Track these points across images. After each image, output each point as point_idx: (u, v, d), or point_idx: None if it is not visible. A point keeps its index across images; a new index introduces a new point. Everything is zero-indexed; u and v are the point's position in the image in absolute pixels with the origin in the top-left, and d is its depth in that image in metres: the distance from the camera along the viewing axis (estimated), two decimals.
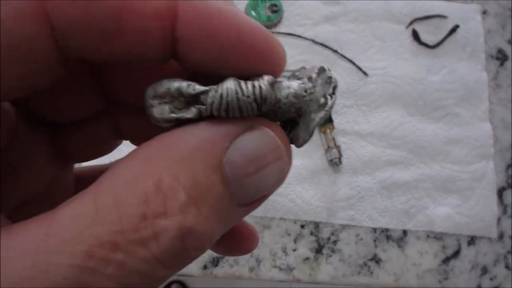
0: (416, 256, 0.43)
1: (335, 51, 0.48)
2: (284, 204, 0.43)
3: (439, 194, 0.44)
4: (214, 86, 0.12)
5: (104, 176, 0.11)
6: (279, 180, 0.12)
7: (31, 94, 0.12)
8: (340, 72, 0.48)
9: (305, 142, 0.13)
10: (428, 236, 0.44)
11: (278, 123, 0.13)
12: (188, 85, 0.12)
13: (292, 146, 0.14)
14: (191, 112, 0.12)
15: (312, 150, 0.45)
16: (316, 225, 0.43)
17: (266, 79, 0.12)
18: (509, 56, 0.50)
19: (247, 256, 0.42)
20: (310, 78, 0.13)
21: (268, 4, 0.49)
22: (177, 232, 0.10)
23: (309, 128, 0.13)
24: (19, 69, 0.11)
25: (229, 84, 0.12)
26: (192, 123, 0.12)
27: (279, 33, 0.48)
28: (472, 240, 0.44)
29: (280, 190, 0.44)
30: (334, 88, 0.13)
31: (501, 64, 0.50)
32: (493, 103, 0.48)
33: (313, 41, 0.48)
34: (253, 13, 0.48)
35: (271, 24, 0.48)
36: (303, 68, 0.14)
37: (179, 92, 0.12)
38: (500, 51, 0.50)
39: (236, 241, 0.17)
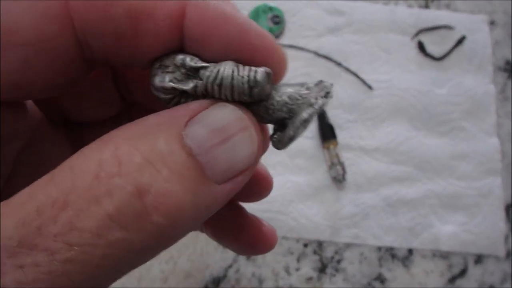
0: (421, 276, 0.42)
1: (339, 64, 0.47)
2: (286, 222, 0.43)
3: (445, 211, 0.44)
4: (215, 63, 0.13)
5: (67, 159, 0.11)
6: (252, 153, 0.12)
7: (54, 94, 0.13)
8: (344, 86, 0.46)
9: (290, 139, 0.13)
10: (434, 254, 0.43)
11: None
12: (192, 58, 0.13)
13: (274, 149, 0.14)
14: (187, 85, 0.13)
15: (315, 167, 0.44)
16: (320, 243, 0.43)
17: (263, 68, 0.13)
18: None
19: (248, 275, 0.41)
20: (308, 87, 0.14)
21: (270, 15, 0.47)
22: (132, 189, 0.10)
23: (295, 124, 0.13)
24: (43, 68, 0.12)
25: (228, 64, 0.13)
26: (185, 103, 0.13)
27: (281, 45, 0.47)
28: (479, 259, 0.43)
29: (282, 207, 0.43)
30: (327, 93, 0.14)
31: (509, 76, 0.48)
32: (500, 117, 0.47)
33: (316, 53, 0.47)
34: None
35: (273, 35, 0.47)
36: (305, 83, 0.15)
37: (182, 63, 0.13)
38: (508, 62, 0.49)
39: (255, 238, 0.17)
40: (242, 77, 0.13)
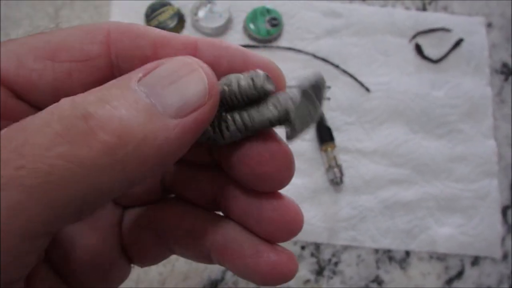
0: (418, 278, 0.42)
1: (337, 66, 0.47)
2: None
3: (442, 214, 0.44)
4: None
5: None
6: (203, 89, 0.14)
7: None
8: (341, 88, 0.46)
9: (293, 126, 0.16)
10: (431, 257, 0.43)
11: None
12: None
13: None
14: None
15: (313, 169, 0.44)
16: (317, 246, 0.43)
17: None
18: None
19: None
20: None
21: (267, 17, 0.47)
22: (79, 115, 0.12)
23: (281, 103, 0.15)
24: (81, 80, 0.15)
25: (233, 74, 0.16)
26: None
27: (278, 47, 0.47)
28: (475, 261, 0.43)
29: None
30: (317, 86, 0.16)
31: (506, 79, 0.49)
32: (497, 119, 0.47)
33: (314, 55, 0.47)
34: (252, 26, 0.47)
35: (270, 38, 0.47)
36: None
37: None
38: (504, 65, 0.49)
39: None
40: (245, 75, 0.15)
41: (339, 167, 0.43)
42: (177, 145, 0.13)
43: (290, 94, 0.16)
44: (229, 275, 0.41)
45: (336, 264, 0.42)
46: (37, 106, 0.16)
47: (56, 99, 0.14)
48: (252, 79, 0.15)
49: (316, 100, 0.16)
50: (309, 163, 0.44)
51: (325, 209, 0.43)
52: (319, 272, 0.42)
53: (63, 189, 0.11)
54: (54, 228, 0.13)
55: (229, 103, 0.15)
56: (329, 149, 0.44)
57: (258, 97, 0.15)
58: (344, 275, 0.42)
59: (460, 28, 0.49)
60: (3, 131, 0.12)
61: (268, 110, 0.15)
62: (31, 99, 0.15)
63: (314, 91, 0.16)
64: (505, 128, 0.47)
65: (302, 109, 0.15)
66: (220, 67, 0.16)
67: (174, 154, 0.14)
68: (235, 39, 0.47)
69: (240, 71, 0.16)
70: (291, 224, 0.18)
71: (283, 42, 0.47)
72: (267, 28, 0.47)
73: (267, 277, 0.17)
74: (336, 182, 0.43)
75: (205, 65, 0.14)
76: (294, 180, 0.46)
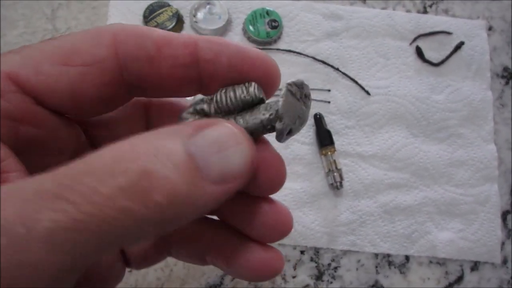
0: (418, 283, 0.42)
1: (337, 69, 0.46)
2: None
3: (442, 218, 0.43)
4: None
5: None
6: (244, 162, 0.15)
7: (98, 113, 0.18)
8: (342, 91, 0.46)
9: (282, 128, 0.17)
10: (430, 261, 0.43)
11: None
12: (205, 96, 0.18)
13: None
14: (205, 106, 0.18)
15: (312, 173, 0.43)
16: (317, 251, 0.42)
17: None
18: None
19: (245, 283, 0.41)
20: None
21: (267, 19, 0.47)
22: (139, 171, 0.13)
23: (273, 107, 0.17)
24: (94, 82, 0.16)
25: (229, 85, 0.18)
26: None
27: (278, 49, 0.46)
28: (475, 266, 0.43)
29: None
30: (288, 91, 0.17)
31: (507, 83, 0.48)
32: (498, 123, 0.47)
33: (314, 58, 0.46)
34: (251, 28, 0.46)
35: (270, 40, 0.46)
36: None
37: (201, 98, 0.18)
38: (505, 69, 0.48)
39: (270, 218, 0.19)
40: (240, 85, 0.17)
41: (339, 171, 0.42)
42: (212, 206, 0.15)
43: (278, 98, 0.17)
44: (227, 280, 0.41)
45: (335, 269, 0.42)
46: (54, 110, 0.16)
47: (73, 102, 0.16)
48: (246, 86, 0.17)
49: (301, 99, 0.17)
50: (308, 167, 0.44)
51: (324, 213, 0.42)
52: (319, 277, 0.42)
53: (111, 236, 0.13)
54: (90, 262, 0.13)
55: (225, 108, 0.17)
56: (329, 153, 0.43)
57: (250, 102, 0.17)
58: (343, 280, 0.42)
59: (461, 31, 0.48)
60: (71, 166, 0.13)
61: (260, 112, 0.17)
62: (50, 104, 0.16)
63: (299, 90, 0.17)
64: (506, 132, 0.46)
65: (289, 105, 0.17)
66: (220, 64, 0.17)
67: (206, 212, 0.15)
68: (235, 41, 0.47)
69: (239, 66, 0.17)
70: (283, 227, 0.19)
71: (282, 44, 0.47)
72: (267, 30, 0.46)
73: (258, 274, 0.19)
74: (336, 186, 0.42)
75: (249, 139, 0.16)
76: (294, 185, 0.46)
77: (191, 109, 0.17)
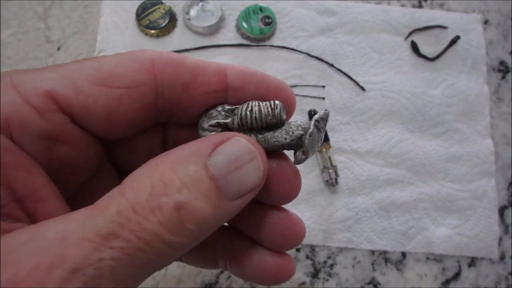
0: (415, 279, 0.41)
1: (331, 65, 0.45)
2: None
3: (438, 214, 0.42)
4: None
5: (128, 176, 0.15)
6: (259, 177, 0.16)
7: (130, 134, 0.18)
8: (336, 87, 0.45)
9: (304, 153, 0.18)
10: (427, 258, 0.42)
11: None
12: (228, 104, 0.18)
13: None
14: (227, 119, 0.18)
15: (308, 170, 0.43)
16: (312, 248, 0.41)
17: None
18: (511, 68, 0.47)
19: (240, 282, 0.40)
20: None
21: (260, 16, 0.46)
22: (173, 205, 0.14)
23: (305, 141, 0.17)
24: (130, 105, 0.16)
25: (254, 100, 0.18)
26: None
27: (272, 46, 0.45)
28: (472, 262, 0.42)
29: None
30: (316, 120, 0.18)
31: (503, 77, 0.47)
32: (494, 118, 0.46)
33: (308, 54, 0.45)
34: (245, 25, 0.45)
35: (264, 37, 0.45)
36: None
37: (222, 108, 0.18)
38: (502, 63, 0.47)
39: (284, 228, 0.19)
40: (266, 103, 0.17)
41: (334, 168, 0.41)
42: (230, 218, 0.16)
43: (302, 124, 0.18)
44: (223, 278, 0.40)
45: (331, 266, 0.41)
46: (89, 130, 0.17)
47: (108, 123, 0.16)
48: (272, 108, 0.17)
49: (322, 129, 0.18)
50: (303, 164, 0.43)
51: (320, 210, 0.42)
52: (315, 274, 0.41)
53: (156, 264, 0.14)
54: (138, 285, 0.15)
55: (248, 126, 0.18)
56: (323, 150, 0.42)
57: (274, 124, 0.18)
58: (339, 277, 0.41)
59: (457, 26, 0.47)
60: (114, 200, 0.14)
61: (282, 136, 0.17)
62: (85, 123, 0.16)
63: (323, 122, 0.18)
64: (503, 127, 0.45)
65: (314, 140, 0.17)
66: (247, 91, 0.18)
67: (224, 222, 0.16)
68: (228, 38, 0.46)
69: (264, 94, 0.18)
70: (295, 236, 0.19)
71: (276, 40, 0.46)
72: (260, 27, 0.45)
73: (271, 278, 0.19)
74: (331, 183, 0.41)
75: (262, 152, 0.16)
76: None
77: (213, 122, 0.18)
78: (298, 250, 0.41)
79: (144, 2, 0.46)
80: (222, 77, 0.17)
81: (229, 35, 0.46)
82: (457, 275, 0.41)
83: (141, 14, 0.46)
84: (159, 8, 0.46)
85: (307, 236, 0.41)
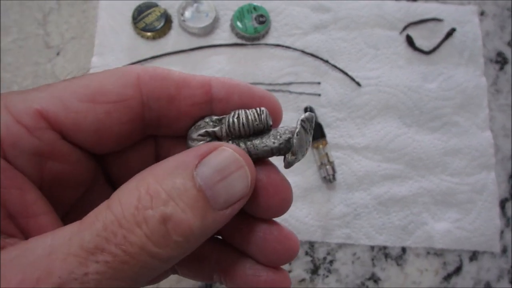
0: (416, 274, 0.40)
1: (326, 61, 0.44)
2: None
3: (438, 209, 0.41)
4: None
5: (116, 191, 0.15)
6: (246, 185, 0.16)
7: (118, 148, 0.18)
8: (332, 84, 0.44)
9: (294, 155, 0.18)
10: (428, 252, 0.41)
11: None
12: (215, 115, 0.18)
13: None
14: (215, 128, 0.18)
15: (305, 167, 0.42)
16: (311, 244, 0.41)
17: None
18: (509, 59, 0.46)
19: None
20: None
21: (254, 14, 0.45)
22: (159, 218, 0.14)
23: (293, 144, 0.17)
24: (118, 119, 0.17)
25: (240, 109, 0.18)
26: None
27: (266, 44, 0.45)
28: (474, 256, 0.41)
29: None
30: (302, 120, 0.18)
31: (501, 68, 0.46)
32: (493, 110, 0.44)
33: (303, 51, 0.45)
34: (239, 24, 0.45)
35: (258, 35, 0.45)
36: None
37: (210, 119, 0.18)
38: (499, 54, 0.46)
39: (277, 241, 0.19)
40: (251, 110, 0.17)
41: (331, 164, 0.41)
42: (219, 228, 0.16)
43: (289, 128, 0.18)
44: None
45: (331, 262, 0.40)
46: (79, 145, 0.17)
47: (97, 137, 0.17)
48: (258, 114, 0.17)
49: (309, 131, 0.18)
50: (300, 161, 0.42)
51: (318, 207, 0.41)
52: (314, 271, 0.40)
53: (141, 276, 0.14)
54: None
55: (236, 133, 0.17)
56: (320, 146, 0.41)
57: (261, 130, 0.17)
58: (339, 273, 0.40)
59: (452, 18, 0.46)
60: (101, 215, 0.14)
61: (270, 141, 0.17)
62: (75, 139, 0.17)
63: (309, 124, 0.18)
64: (502, 119, 0.44)
65: (301, 139, 0.17)
66: (232, 101, 0.18)
67: (213, 234, 0.16)
68: (223, 38, 0.45)
69: (248, 103, 0.18)
70: (288, 251, 0.19)
71: (271, 39, 0.45)
72: (254, 26, 0.45)
73: None
74: (329, 179, 0.41)
75: (249, 160, 0.16)
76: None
77: (201, 131, 0.18)
78: None
79: (139, 5, 0.46)
80: (206, 89, 0.18)
81: (224, 35, 0.45)
82: (458, 270, 0.40)
83: (137, 17, 0.46)
84: (154, 10, 0.46)
85: (306, 232, 0.40)
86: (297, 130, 0.17)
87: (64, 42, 0.47)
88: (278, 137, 0.17)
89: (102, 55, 0.45)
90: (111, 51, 0.45)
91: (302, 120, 0.17)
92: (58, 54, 0.46)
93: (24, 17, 0.48)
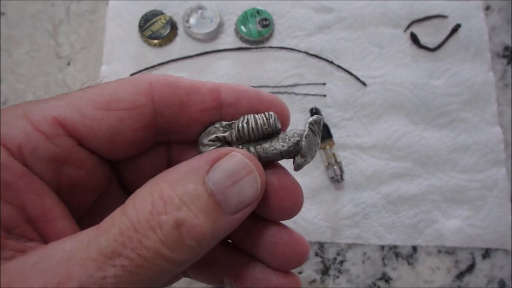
0: (427, 273, 0.39)
1: (331, 62, 0.44)
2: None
3: (448, 206, 0.40)
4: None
5: (130, 196, 0.15)
6: (256, 190, 0.16)
7: (130, 154, 0.19)
8: (337, 84, 0.44)
9: (303, 158, 0.18)
10: (439, 251, 0.40)
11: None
12: (225, 120, 0.18)
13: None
14: (225, 133, 0.18)
15: (312, 168, 0.42)
16: (321, 245, 0.40)
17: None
18: None
19: None
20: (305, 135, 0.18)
21: (258, 18, 0.45)
22: (173, 223, 0.14)
23: (302, 146, 0.18)
24: (131, 125, 0.17)
25: (249, 114, 0.18)
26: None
27: (271, 47, 0.45)
28: (486, 253, 0.40)
29: None
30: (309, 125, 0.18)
31: (509, 62, 0.45)
32: (501, 105, 0.43)
33: (307, 53, 0.44)
34: (243, 28, 0.45)
35: (262, 38, 0.45)
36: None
37: (220, 124, 0.18)
38: (506, 48, 0.45)
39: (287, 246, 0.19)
40: (260, 115, 0.18)
41: (338, 164, 0.40)
42: (229, 231, 0.16)
43: (298, 131, 0.18)
44: None
45: (341, 262, 0.40)
46: (94, 152, 0.17)
47: (112, 143, 0.17)
48: (267, 118, 0.18)
49: (317, 133, 0.18)
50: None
51: (327, 207, 0.40)
52: (325, 271, 0.40)
53: (156, 279, 0.14)
54: None
55: (246, 137, 0.18)
56: (327, 146, 0.41)
57: (270, 134, 0.18)
58: (350, 273, 0.39)
59: (457, 14, 0.45)
60: (116, 220, 0.15)
61: (279, 144, 0.18)
62: (91, 145, 0.17)
63: (317, 126, 0.18)
64: (510, 113, 0.43)
65: (310, 142, 0.18)
66: (241, 106, 0.18)
67: (224, 236, 0.16)
68: (227, 42, 0.45)
69: (257, 108, 0.18)
70: (298, 256, 0.19)
71: (275, 41, 0.45)
72: (258, 29, 0.45)
73: None
74: (337, 180, 0.40)
75: (258, 165, 0.17)
76: None
77: (212, 137, 0.18)
78: None
79: (145, 14, 0.46)
80: (216, 95, 0.18)
81: (228, 39, 0.46)
82: (471, 267, 0.39)
83: (143, 25, 0.46)
84: (160, 18, 0.46)
85: (315, 233, 0.40)
86: (305, 133, 0.17)
87: (74, 52, 0.47)
88: (287, 140, 0.18)
89: (111, 63, 0.46)
90: (119, 59, 0.45)
91: (310, 123, 0.18)
92: (68, 64, 0.47)
93: (35, 29, 0.49)
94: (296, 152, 0.18)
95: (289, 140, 0.18)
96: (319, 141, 0.18)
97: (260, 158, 0.17)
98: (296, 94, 0.43)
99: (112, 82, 0.17)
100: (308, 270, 0.40)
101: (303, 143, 0.17)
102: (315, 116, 0.18)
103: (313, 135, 0.18)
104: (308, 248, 0.19)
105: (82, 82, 0.46)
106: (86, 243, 0.14)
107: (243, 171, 0.16)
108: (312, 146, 0.18)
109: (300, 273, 0.40)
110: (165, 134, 0.19)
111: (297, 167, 0.18)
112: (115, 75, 0.45)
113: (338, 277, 0.39)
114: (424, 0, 0.46)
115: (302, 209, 0.40)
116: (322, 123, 0.18)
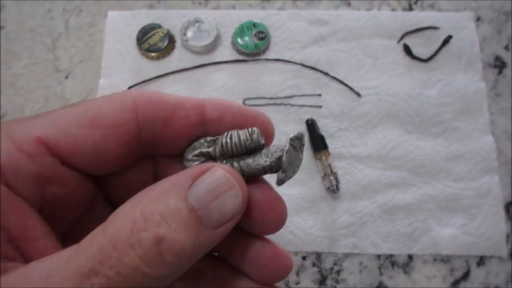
0: (423, 281, 0.39)
1: (326, 73, 0.44)
2: (283, 236, 0.40)
3: (443, 215, 0.41)
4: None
5: (112, 213, 0.15)
6: (238, 203, 0.16)
7: (115, 170, 0.18)
8: (332, 95, 0.44)
9: (284, 173, 0.18)
10: (435, 259, 0.40)
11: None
12: (209, 136, 0.19)
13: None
14: (209, 149, 0.18)
15: (309, 178, 0.42)
16: (318, 255, 0.40)
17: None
18: (507, 62, 0.45)
19: None
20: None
21: (254, 31, 0.45)
22: (152, 239, 0.14)
23: (284, 162, 0.17)
24: (115, 142, 0.17)
25: (233, 130, 0.18)
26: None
27: (267, 59, 0.45)
28: (481, 261, 0.40)
29: None
30: (291, 139, 0.18)
31: (500, 72, 0.45)
32: (493, 114, 0.44)
33: (303, 64, 0.45)
34: (240, 41, 0.45)
35: (259, 51, 0.45)
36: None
37: (204, 139, 0.18)
38: (497, 58, 0.45)
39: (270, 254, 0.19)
40: (244, 130, 0.18)
41: (334, 174, 0.40)
42: (212, 246, 0.16)
43: (280, 146, 0.18)
44: None
45: (338, 272, 0.40)
46: (78, 169, 0.17)
47: (96, 160, 0.17)
48: (250, 133, 0.18)
49: (299, 149, 0.18)
50: (304, 172, 0.42)
51: (323, 217, 0.41)
52: (322, 281, 0.40)
53: None
54: None
55: (229, 153, 0.18)
56: (323, 157, 0.41)
57: (253, 149, 0.18)
58: (347, 283, 0.39)
59: (449, 25, 0.46)
60: (96, 238, 0.14)
61: (262, 159, 0.18)
62: (75, 163, 0.17)
63: (299, 142, 0.18)
64: (503, 122, 0.43)
65: (291, 157, 0.17)
66: (225, 122, 0.18)
67: (207, 252, 0.16)
68: (224, 55, 0.46)
69: (241, 123, 0.18)
70: (280, 269, 0.19)
71: (271, 54, 0.45)
72: (255, 42, 0.45)
73: None
74: (333, 190, 0.40)
75: (240, 180, 0.16)
76: (291, 191, 0.44)
77: (196, 152, 0.18)
78: (304, 258, 0.40)
79: (143, 27, 0.47)
80: (200, 110, 0.18)
81: (225, 52, 0.46)
82: (466, 275, 0.39)
83: (141, 38, 0.46)
84: (157, 31, 0.46)
85: (312, 243, 0.40)
86: (286, 148, 0.17)
87: (73, 65, 0.47)
88: (270, 155, 0.18)
89: (109, 76, 0.46)
90: (118, 72, 0.46)
91: (291, 139, 0.18)
92: (67, 77, 0.47)
93: (34, 43, 0.49)
94: (278, 167, 0.18)
95: (272, 155, 0.18)
96: (301, 156, 0.18)
97: (243, 173, 0.17)
98: (292, 105, 0.43)
99: (97, 99, 0.17)
100: (306, 281, 0.40)
101: (284, 158, 0.17)
102: (296, 132, 0.18)
103: (294, 150, 0.18)
104: (290, 261, 0.19)
105: (78, 94, 0.47)
106: (65, 261, 0.14)
107: (224, 185, 0.16)
108: (293, 161, 0.18)
109: (297, 283, 0.40)
110: (150, 148, 0.19)
111: (279, 182, 0.18)
112: (113, 88, 0.45)
113: (335, 287, 0.39)
114: (416, 12, 0.46)
115: (299, 220, 0.41)
116: (303, 138, 0.18)
